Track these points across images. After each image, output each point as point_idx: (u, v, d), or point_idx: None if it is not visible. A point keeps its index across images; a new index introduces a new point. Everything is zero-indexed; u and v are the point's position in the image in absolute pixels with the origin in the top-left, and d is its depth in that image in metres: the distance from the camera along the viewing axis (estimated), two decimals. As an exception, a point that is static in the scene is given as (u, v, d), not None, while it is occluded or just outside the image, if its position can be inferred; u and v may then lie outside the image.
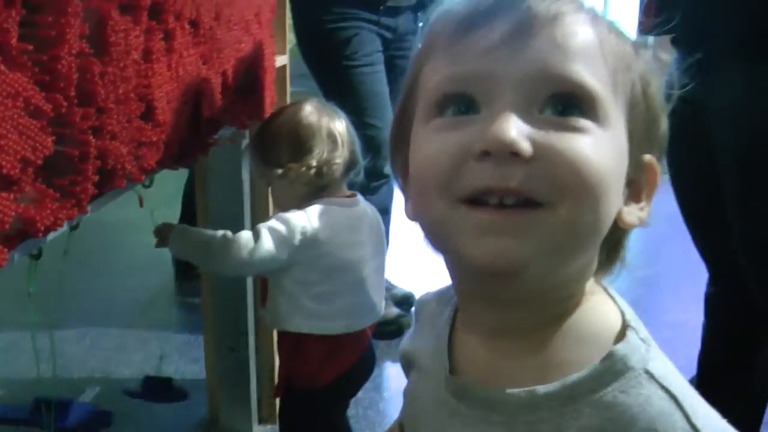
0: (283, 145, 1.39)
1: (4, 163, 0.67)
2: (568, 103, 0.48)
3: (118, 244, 2.76)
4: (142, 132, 0.97)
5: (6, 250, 0.69)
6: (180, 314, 2.21)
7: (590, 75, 0.48)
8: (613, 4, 2.69)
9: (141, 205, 1.07)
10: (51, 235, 0.86)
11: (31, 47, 0.70)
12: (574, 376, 0.49)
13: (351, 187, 1.48)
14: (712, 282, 1.56)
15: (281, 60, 1.69)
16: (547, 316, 0.51)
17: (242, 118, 1.42)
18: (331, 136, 1.39)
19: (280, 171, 1.38)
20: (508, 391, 0.50)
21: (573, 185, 0.46)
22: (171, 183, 1.49)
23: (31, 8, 0.71)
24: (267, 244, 1.31)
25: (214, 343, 1.79)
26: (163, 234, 1.44)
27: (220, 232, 1.36)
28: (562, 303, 0.52)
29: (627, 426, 0.47)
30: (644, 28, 1.52)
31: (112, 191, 0.99)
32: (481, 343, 0.55)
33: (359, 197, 1.46)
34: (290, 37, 1.97)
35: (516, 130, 0.46)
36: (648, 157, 0.53)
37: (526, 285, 0.49)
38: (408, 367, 0.67)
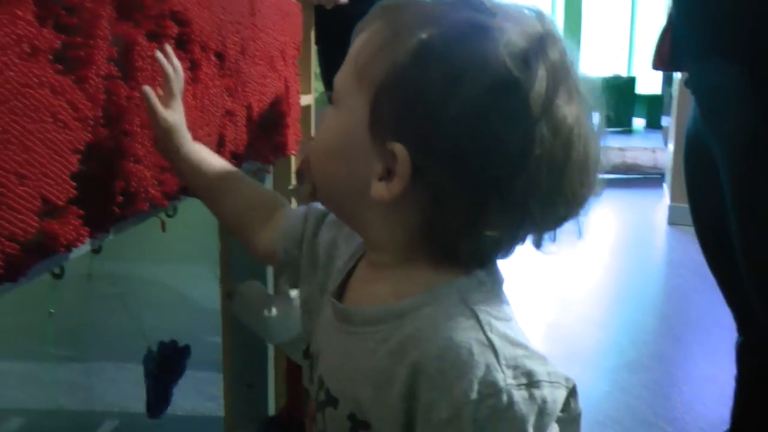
0: None
1: (30, 176, 0.68)
2: None
3: (142, 279, 2.78)
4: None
5: (28, 260, 0.69)
6: (198, 351, 2.20)
7: (340, 75, 0.65)
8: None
9: (163, 230, 1.08)
10: (73, 254, 0.87)
11: (59, 67, 0.72)
12: (408, 299, 0.61)
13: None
14: (740, 330, 1.53)
15: (306, 99, 1.72)
16: (389, 261, 0.65)
17: (266, 153, 1.44)
18: None
19: None
20: (358, 307, 0.65)
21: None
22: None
23: (61, 29, 0.73)
24: None
25: (232, 381, 1.78)
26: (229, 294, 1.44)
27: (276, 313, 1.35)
28: (393, 254, 0.64)
29: (430, 333, 0.58)
30: (655, 65, 1.54)
31: (135, 216, 1.00)
32: (363, 277, 0.69)
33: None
34: (317, 85, 2.00)
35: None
36: (392, 145, 0.59)
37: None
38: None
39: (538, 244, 0.63)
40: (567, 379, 0.57)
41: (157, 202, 0.99)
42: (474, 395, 0.54)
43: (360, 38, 0.65)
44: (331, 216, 0.80)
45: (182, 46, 1.02)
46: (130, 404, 1.93)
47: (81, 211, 0.78)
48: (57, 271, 0.92)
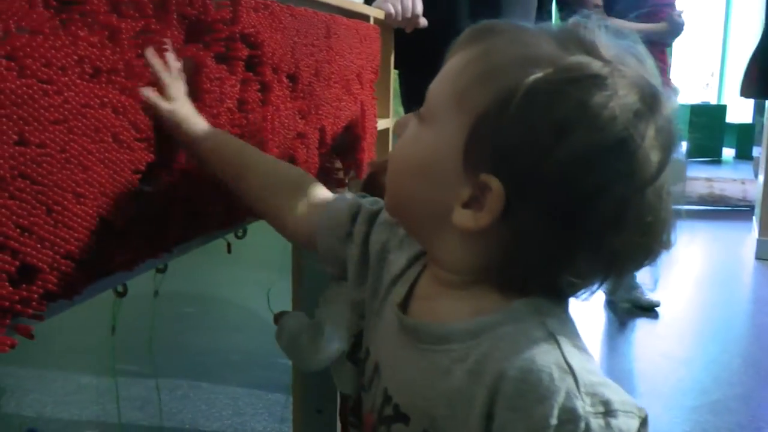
0: None
1: (88, 195, 0.68)
2: None
3: (217, 299, 2.82)
4: (233, 179, 0.98)
5: (84, 278, 0.69)
6: (273, 373, 2.21)
7: (437, 90, 0.64)
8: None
9: (228, 251, 1.08)
10: (135, 274, 0.87)
11: (125, 85, 0.73)
12: (482, 318, 0.60)
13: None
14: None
15: (384, 123, 1.70)
16: (457, 282, 0.64)
17: (339, 176, 1.43)
18: None
19: None
20: (427, 324, 0.64)
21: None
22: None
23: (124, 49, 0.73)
24: None
25: (302, 404, 1.77)
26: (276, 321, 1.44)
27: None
28: (460, 275, 0.64)
29: (510, 353, 0.57)
30: (744, 93, 1.46)
31: (200, 237, 1.00)
32: (427, 292, 0.68)
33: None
34: (399, 111, 1.99)
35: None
36: (488, 177, 0.58)
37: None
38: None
39: (613, 292, 0.64)
40: (640, 409, 0.57)
41: (223, 223, 0.99)
42: (553, 421, 0.53)
43: (457, 59, 0.64)
44: (383, 216, 0.78)
45: (252, 68, 1.02)
46: (200, 422, 1.95)
47: (140, 231, 0.78)
48: (120, 289, 0.93)
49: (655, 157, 0.56)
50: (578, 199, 0.56)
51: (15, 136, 0.59)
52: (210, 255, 3.06)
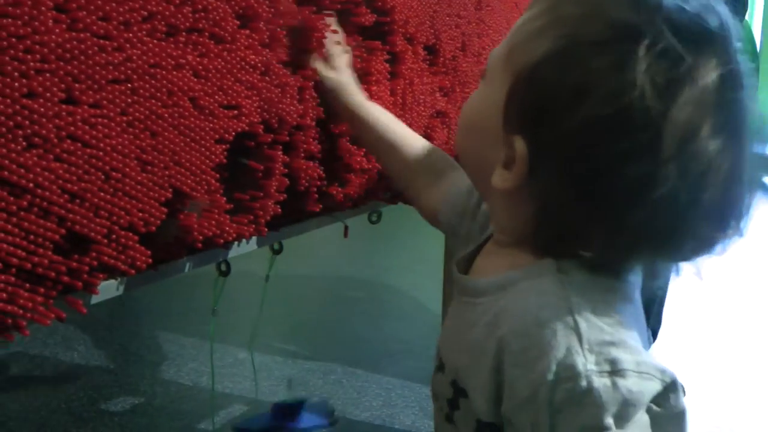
0: None
1: (156, 163, 0.63)
2: None
3: (386, 285, 2.79)
4: (351, 156, 0.91)
5: (148, 252, 0.65)
6: (429, 365, 2.14)
7: (496, 49, 0.62)
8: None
9: (345, 235, 1.01)
10: (233, 253, 0.82)
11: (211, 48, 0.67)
12: (510, 273, 0.60)
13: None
14: None
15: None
16: (506, 241, 0.63)
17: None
18: None
19: None
20: (470, 279, 0.65)
21: None
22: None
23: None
24: None
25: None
26: None
27: None
28: (505, 235, 0.63)
29: (519, 308, 0.57)
30: None
31: (317, 218, 0.94)
32: (486, 252, 0.68)
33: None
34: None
35: None
36: (515, 138, 0.57)
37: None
38: None
39: (653, 274, 0.61)
40: (663, 372, 0.53)
41: (337, 205, 0.92)
42: (551, 376, 0.53)
43: (524, 15, 0.61)
44: None
45: (381, 37, 0.94)
46: (349, 409, 1.91)
47: (227, 206, 0.73)
48: (223, 268, 0.89)
49: (685, 131, 0.52)
50: (594, 167, 0.54)
51: (62, 94, 0.55)
52: (382, 241, 3.04)
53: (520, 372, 0.55)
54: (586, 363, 0.52)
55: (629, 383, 0.52)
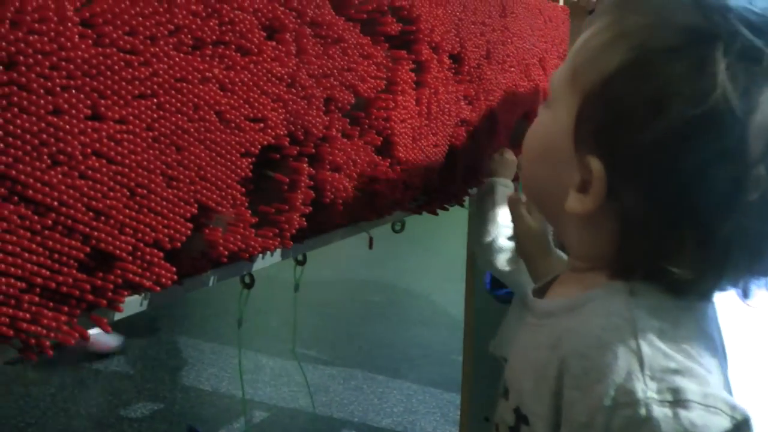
0: None
1: (182, 178, 0.62)
2: None
3: (406, 290, 2.77)
4: (375, 167, 0.90)
5: (173, 269, 0.64)
6: (450, 371, 2.12)
7: (558, 72, 0.60)
8: None
9: (370, 246, 1.00)
10: (258, 266, 0.81)
11: (238, 60, 0.66)
12: (579, 296, 0.58)
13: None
14: None
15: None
16: (580, 267, 0.61)
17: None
18: None
19: None
20: (539, 300, 0.65)
21: None
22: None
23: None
24: None
25: (469, 409, 1.67)
26: None
27: None
28: (581, 261, 0.61)
29: (583, 328, 0.55)
30: None
31: (341, 229, 0.93)
32: (561, 278, 0.67)
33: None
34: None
35: None
36: (590, 159, 0.55)
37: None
38: None
39: (745, 293, 0.56)
40: (734, 408, 0.49)
41: (364, 216, 0.91)
42: (608, 401, 0.50)
43: (584, 34, 0.60)
44: None
45: (406, 46, 0.93)
46: (370, 416, 1.90)
47: (252, 219, 0.72)
48: (247, 281, 0.88)
49: None
50: (679, 179, 0.51)
51: (87, 110, 0.54)
52: (404, 245, 3.02)
53: (579, 395, 0.52)
54: (646, 390, 0.49)
55: (693, 415, 0.49)
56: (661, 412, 0.49)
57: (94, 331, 0.62)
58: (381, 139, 0.90)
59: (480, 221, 1.15)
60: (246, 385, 1.92)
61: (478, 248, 1.17)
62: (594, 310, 0.56)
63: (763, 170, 0.50)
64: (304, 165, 0.78)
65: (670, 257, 0.54)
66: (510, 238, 1.11)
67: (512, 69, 1.20)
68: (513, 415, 0.60)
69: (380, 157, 0.91)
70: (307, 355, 2.19)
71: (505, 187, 1.15)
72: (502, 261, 1.13)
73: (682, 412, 0.49)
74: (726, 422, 0.49)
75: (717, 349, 0.56)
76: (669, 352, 0.51)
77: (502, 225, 1.13)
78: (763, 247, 0.53)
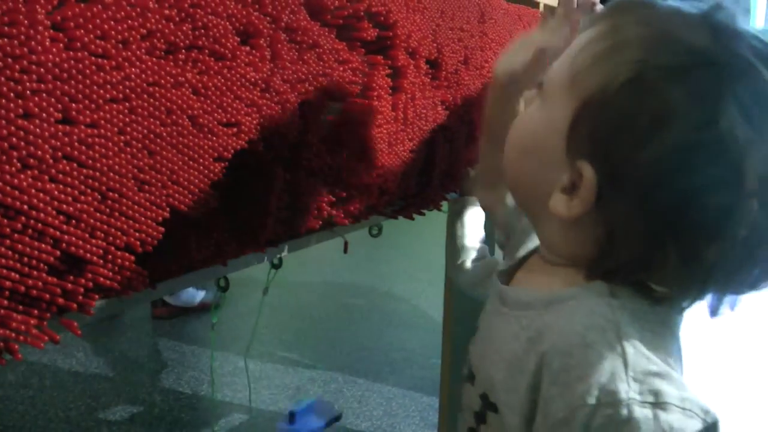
0: None
1: (154, 182, 0.63)
2: None
3: (387, 292, 2.78)
4: (352, 173, 0.90)
5: (145, 272, 0.64)
6: (430, 374, 2.13)
7: (555, 70, 0.60)
8: None
9: (345, 250, 1.00)
10: (231, 269, 0.82)
11: (210, 66, 0.66)
12: (559, 290, 0.59)
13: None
14: None
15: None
16: (556, 261, 0.62)
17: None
18: None
19: None
20: (514, 289, 0.65)
21: None
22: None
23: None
24: None
25: (449, 415, 1.67)
26: None
27: None
28: (555, 255, 0.62)
29: (565, 325, 0.55)
30: None
31: (317, 234, 0.94)
32: (531, 266, 0.67)
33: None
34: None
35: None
36: (582, 164, 0.55)
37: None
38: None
39: (714, 311, 0.57)
40: (707, 412, 0.51)
41: (337, 220, 0.91)
42: (591, 400, 0.51)
43: (583, 36, 0.60)
44: None
45: (382, 51, 0.93)
46: (350, 419, 1.90)
47: (224, 226, 0.72)
48: (222, 284, 0.88)
49: None
50: (672, 198, 0.52)
51: (58, 114, 0.54)
52: (385, 248, 3.02)
53: (558, 391, 0.53)
54: (629, 391, 0.51)
55: (671, 418, 0.50)
56: (641, 413, 0.50)
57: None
58: (356, 144, 0.90)
59: (450, 241, 1.16)
60: (224, 387, 1.92)
61: (450, 269, 1.17)
62: (576, 308, 0.56)
63: (755, 204, 0.50)
64: (279, 170, 0.78)
65: (651, 270, 0.55)
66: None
67: (490, 74, 1.21)
68: (479, 401, 0.61)
69: (356, 163, 0.91)
70: (288, 358, 2.19)
71: (475, 206, 1.16)
72: (470, 283, 1.13)
73: (662, 414, 0.50)
74: (699, 425, 0.51)
75: (682, 357, 0.57)
76: (650, 356, 0.52)
77: (470, 248, 1.13)
78: (744, 270, 0.54)
